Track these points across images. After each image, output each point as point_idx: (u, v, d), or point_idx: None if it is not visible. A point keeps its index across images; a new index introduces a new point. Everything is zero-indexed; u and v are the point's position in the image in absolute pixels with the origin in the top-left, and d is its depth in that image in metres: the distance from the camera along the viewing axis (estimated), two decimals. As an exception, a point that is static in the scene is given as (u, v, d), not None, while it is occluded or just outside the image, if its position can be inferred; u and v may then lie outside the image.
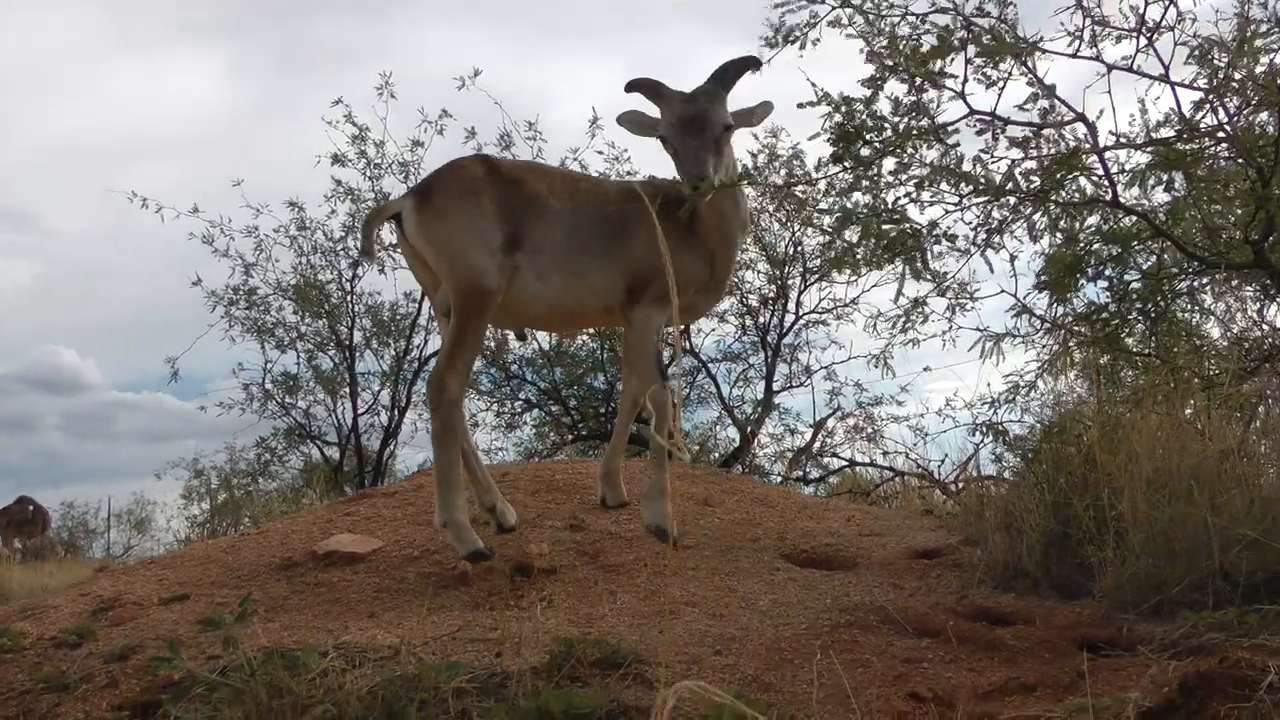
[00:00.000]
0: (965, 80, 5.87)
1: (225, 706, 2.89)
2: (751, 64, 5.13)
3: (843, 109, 5.91)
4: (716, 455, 14.46)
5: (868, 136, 5.86)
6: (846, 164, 5.82)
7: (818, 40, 6.13)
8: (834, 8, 6.07)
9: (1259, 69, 5.62)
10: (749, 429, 13.85)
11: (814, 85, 6.00)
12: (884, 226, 5.93)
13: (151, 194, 13.68)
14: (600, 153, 15.00)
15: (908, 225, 5.97)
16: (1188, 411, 4.97)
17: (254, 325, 14.60)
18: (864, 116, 5.88)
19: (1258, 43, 5.63)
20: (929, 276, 6.34)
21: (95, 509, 24.16)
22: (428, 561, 4.94)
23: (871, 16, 6.01)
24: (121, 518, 23.84)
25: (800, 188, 10.43)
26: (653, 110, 5.15)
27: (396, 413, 15.02)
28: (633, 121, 5.17)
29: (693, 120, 4.94)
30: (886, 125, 5.87)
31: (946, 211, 6.03)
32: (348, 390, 15.06)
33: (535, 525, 5.38)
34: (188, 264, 16.39)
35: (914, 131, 5.79)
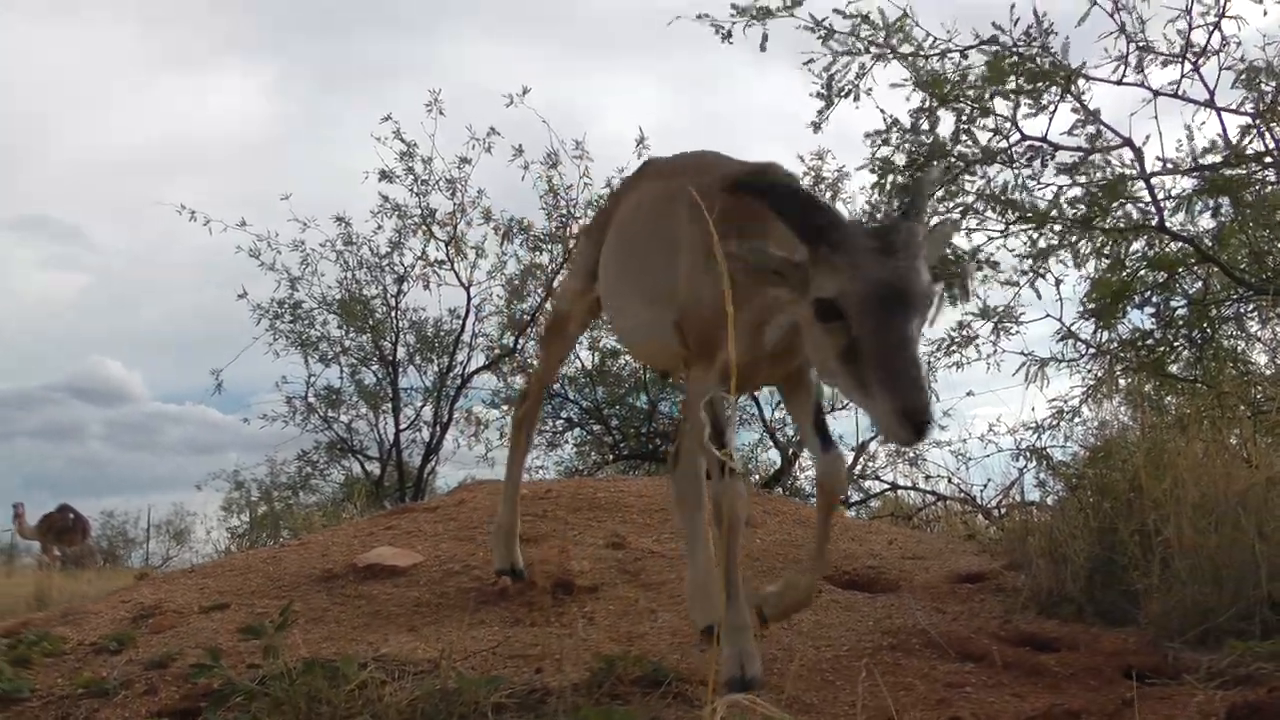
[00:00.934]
0: (1016, 106, 5.88)
1: (264, 715, 2.90)
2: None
3: (908, 137, 5.91)
4: (758, 477, 14.39)
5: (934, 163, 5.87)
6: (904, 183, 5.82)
7: (870, 89, 6.14)
8: (876, 57, 6.08)
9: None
10: (791, 451, 13.79)
11: (883, 112, 6.01)
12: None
13: (197, 208, 13.82)
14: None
15: (952, 253, 5.96)
16: (1234, 439, 4.91)
17: (298, 339, 14.69)
18: (929, 144, 5.90)
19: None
20: (976, 298, 6.33)
21: (135, 519, 24.25)
22: (468, 576, 4.94)
23: (914, 58, 6.01)
24: (161, 528, 23.94)
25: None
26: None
27: (438, 429, 15.05)
28: (759, 252, 2.91)
29: (899, 298, 2.69)
30: (947, 152, 5.87)
31: (990, 239, 6.02)
32: (390, 405, 15.08)
33: (576, 542, 5.36)
34: (233, 277, 16.51)
35: (988, 155, 5.78)
